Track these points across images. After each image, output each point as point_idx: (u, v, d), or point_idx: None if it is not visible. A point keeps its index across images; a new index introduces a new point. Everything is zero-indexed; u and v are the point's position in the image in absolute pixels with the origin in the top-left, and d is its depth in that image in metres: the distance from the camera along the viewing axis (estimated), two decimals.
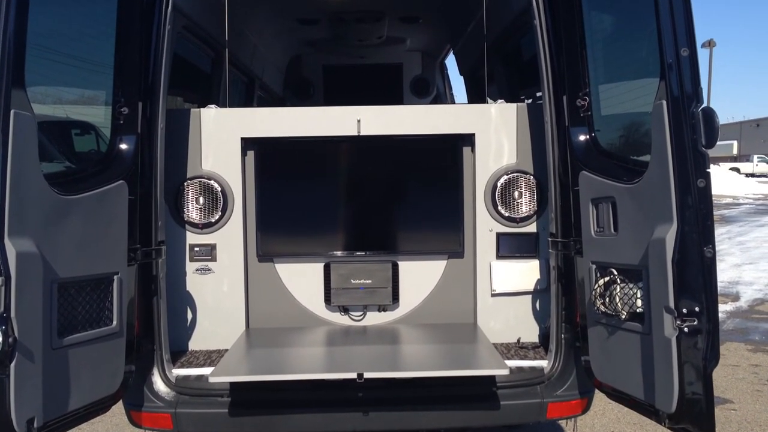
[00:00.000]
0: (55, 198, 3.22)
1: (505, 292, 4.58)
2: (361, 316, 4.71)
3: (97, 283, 3.50)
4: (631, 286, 3.41)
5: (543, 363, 4.19)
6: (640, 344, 3.33)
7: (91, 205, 3.46)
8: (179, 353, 4.47)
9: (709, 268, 3.02)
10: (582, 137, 3.88)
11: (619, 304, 3.44)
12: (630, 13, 3.49)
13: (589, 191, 3.74)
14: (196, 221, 4.52)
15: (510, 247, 4.58)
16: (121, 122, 3.78)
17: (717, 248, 12.50)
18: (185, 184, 4.50)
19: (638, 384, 3.34)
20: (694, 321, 3.01)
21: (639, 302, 3.35)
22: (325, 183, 4.71)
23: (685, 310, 3.01)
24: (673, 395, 3.07)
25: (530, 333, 4.59)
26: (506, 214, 4.56)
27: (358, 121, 4.52)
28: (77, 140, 3.74)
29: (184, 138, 4.49)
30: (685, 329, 2.99)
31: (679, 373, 3.06)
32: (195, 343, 4.58)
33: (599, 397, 4.09)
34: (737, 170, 57.94)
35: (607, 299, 3.51)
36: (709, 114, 2.95)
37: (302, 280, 4.68)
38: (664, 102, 3.05)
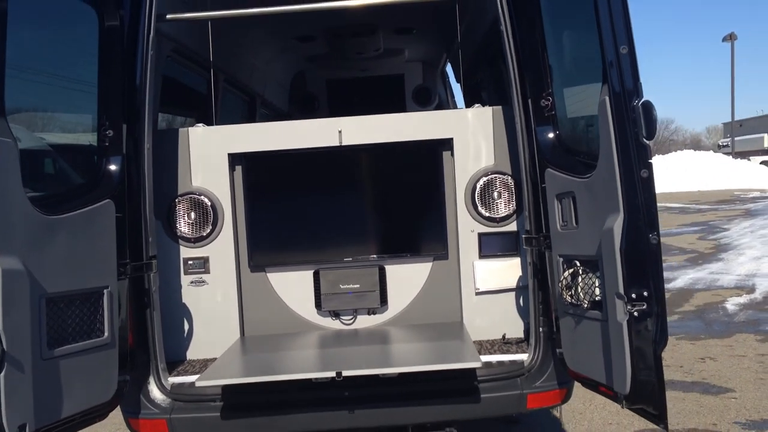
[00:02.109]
0: (39, 218, 3.43)
1: (489, 290, 4.72)
2: (351, 319, 4.87)
3: (86, 297, 3.71)
4: (591, 276, 3.55)
5: (523, 356, 4.32)
6: (600, 331, 3.46)
7: (77, 224, 3.68)
8: (177, 362, 4.67)
9: (654, 254, 3.16)
10: (547, 136, 4.03)
11: (581, 294, 3.58)
12: (581, 17, 3.63)
13: (554, 187, 3.88)
14: (188, 236, 4.73)
15: (491, 246, 4.71)
16: (107, 144, 4.00)
17: (739, 242, 12.59)
18: (177, 200, 4.71)
19: (601, 369, 3.47)
20: (644, 305, 3.14)
21: (598, 291, 3.48)
22: (311, 193, 4.89)
23: (634, 296, 3.14)
24: (626, 377, 3.20)
25: (515, 328, 4.71)
26: (486, 215, 4.70)
27: (339, 131, 4.70)
28: (64, 163, 3.97)
29: (173, 156, 4.71)
30: (635, 314, 3.12)
31: (631, 356, 3.18)
32: (192, 353, 4.77)
33: None
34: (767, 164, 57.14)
35: (573, 290, 3.64)
36: (648, 107, 3.09)
37: (293, 287, 4.86)
38: (607, 98, 3.19)
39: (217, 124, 6.59)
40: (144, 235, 4.23)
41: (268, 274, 4.87)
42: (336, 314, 4.86)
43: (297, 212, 4.88)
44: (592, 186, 3.46)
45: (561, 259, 3.83)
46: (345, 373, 3.78)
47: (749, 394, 6.39)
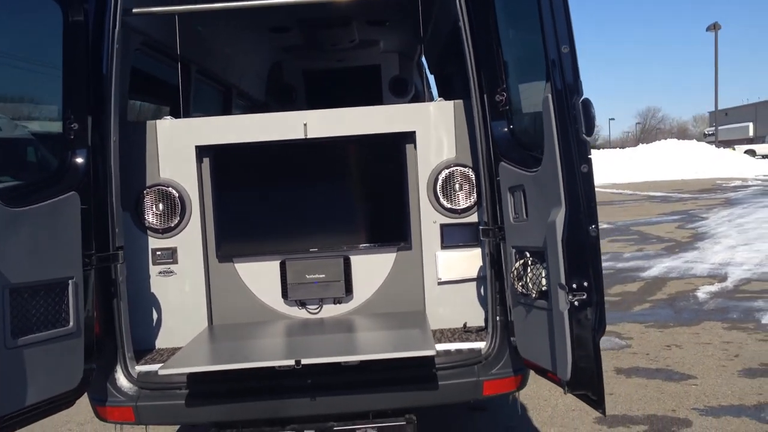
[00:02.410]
0: (3, 211, 3.51)
1: (451, 279, 4.83)
2: (317, 309, 4.98)
3: (51, 287, 3.79)
4: (539, 267, 3.67)
5: (481, 344, 4.44)
6: (547, 320, 3.59)
7: (42, 216, 3.76)
8: (146, 351, 4.76)
9: (594, 246, 3.29)
10: (502, 130, 4.14)
11: (530, 284, 3.70)
12: (533, 16, 3.74)
13: (507, 180, 4.00)
14: (156, 227, 4.81)
15: (453, 237, 4.83)
16: (72, 137, 4.07)
17: (716, 231, 12.76)
18: (145, 192, 4.79)
19: (547, 356, 3.60)
20: (584, 295, 3.27)
21: (544, 281, 3.61)
22: (278, 185, 4.99)
23: (575, 285, 3.27)
24: (567, 364, 3.33)
25: (476, 317, 4.83)
26: (448, 206, 4.81)
27: (305, 124, 4.79)
28: (29, 155, 4.04)
29: (141, 148, 4.79)
30: (576, 303, 3.25)
31: (571, 344, 3.31)
32: (161, 342, 4.86)
33: None
34: (753, 152, 57.65)
35: (523, 281, 3.76)
36: (587, 105, 3.21)
37: (261, 277, 4.96)
38: (550, 96, 3.30)
39: (190, 116, 6.67)
40: (110, 226, 4.32)
41: (236, 265, 4.97)
42: (302, 304, 4.97)
43: (264, 203, 4.98)
44: (539, 180, 3.58)
45: (513, 251, 3.95)
46: (304, 361, 3.89)
47: (710, 380, 6.56)
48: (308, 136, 4.81)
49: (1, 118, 3.94)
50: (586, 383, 3.38)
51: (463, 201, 4.79)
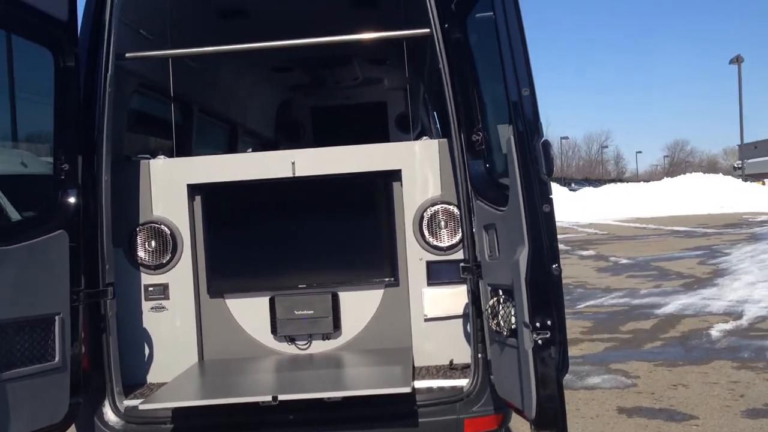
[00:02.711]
0: None
1: (437, 316, 4.87)
2: (306, 344, 5.04)
3: (36, 323, 3.90)
4: (509, 305, 3.71)
5: (464, 382, 4.46)
6: (517, 358, 3.60)
7: (29, 254, 3.88)
8: (137, 386, 4.84)
9: (556, 284, 3.33)
10: (478, 169, 4.20)
11: (502, 322, 3.73)
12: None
13: (482, 219, 4.06)
14: (148, 263, 4.93)
15: (439, 274, 4.87)
16: (62, 177, 4.21)
17: (737, 267, 12.62)
18: (138, 229, 4.91)
19: (518, 394, 3.62)
20: (547, 334, 3.29)
21: (513, 319, 3.64)
22: (268, 222, 5.08)
23: (538, 324, 3.30)
24: (532, 402, 3.34)
25: (463, 354, 4.84)
26: (434, 243, 4.87)
27: (293, 163, 4.90)
28: (20, 195, 4.17)
29: (135, 187, 4.92)
30: (539, 342, 3.28)
31: (536, 382, 3.33)
32: (152, 376, 4.94)
33: None
34: None
35: (497, 319, 3.80)
36: (546, 146, 3.27)
37: (251, 313, 5.04)
38: (512, 137, 3.37)
39: (192, 154, 6.83)
40: (101, 263, 4.44)
41: (227, 300, 5.05)
42: (291, 339, 5.03)
43: (254, 240, 5.08)
44: (507, 218, 3.64)
45: (489, 288, 3.99)
46: (280, 397, 3.94)
47: (712, 421, 6.47)
48: (296, 175, 4.91)
49: None
50: (551, 422, 3.40)
51: (448, 238, 4.85)
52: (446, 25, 4.26)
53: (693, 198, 40.04)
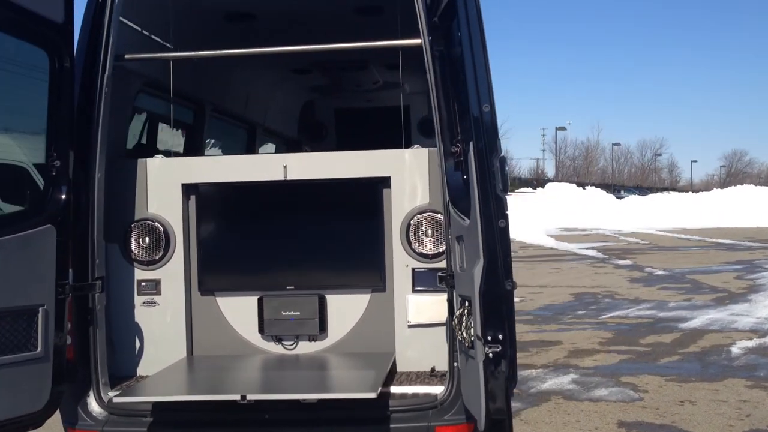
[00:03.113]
0: None
1: (420, 323, 4.89)
2: (293, 345, 5.11)
3: (18, 314, 4.05)
4: (471, 316, 3.72)
5: (439, 389, 4.48)
6: (476, 369, 3.63)
7: (13, 247, 4.03)
8: (127, 378, 4.98)
9: (509, 300, 3.33)
10: (455, 180, 4.22)
11: (465, 333, 3.75)
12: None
13: (455, 230, 4.08)
14: (141, 259, 5.06)
15: (424, 281, 4.89)
16: (54, 173, 4.35)
17: None
18: (132, 225, 5.05)
19: (474, 405, 3.64)
20: (498, 347, 3.31)
21: (472, 331, 3.66)
22: (259, 223, 5.18)
23: (489, 338, 3.31)
24: (482, 415, 3.36)
25: (445, 362, 4.83)
26: (420, 251, 4.90)
27: (284, 167, 4.98)
28: (10, 189, 4.34)
29: (132, 184, 5.06)
30: (490, 355, 3.30)
31: (486, 395, 3.35)
32: (142, 369, 5.07)
33: None
34: None
35: (461, 329, 3.82)
36: (503, 163, 3.29)
37: (240, 312, 5.13)
38: (472, 152, 3.39)
39: (203, 154, 6.97)
40: (90, 257, 4.58)
41: (217, 298, 5.16)
42: (279, 339, 5.11)
43: (245, 241, 5.17)
44: (470, 231, 3.66)
45: (459, 299, 4.01)
46: (249, 397, 4.03)
47: None
48: (288, 178, 4.99)
49: None
50: None
51: (434, 246, 4.87)
52: (430, 37, 4.29)
53: (743, 210, 39.10)
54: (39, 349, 4.16)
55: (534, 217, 37.76)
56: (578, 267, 20.46)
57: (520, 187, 67.94)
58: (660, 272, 18.67)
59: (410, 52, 7.32)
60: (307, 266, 5.14)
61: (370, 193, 5.02)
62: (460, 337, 3.91)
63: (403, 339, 4.95)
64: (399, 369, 4.92)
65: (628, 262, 21.56)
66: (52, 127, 4.37)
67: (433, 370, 4.85)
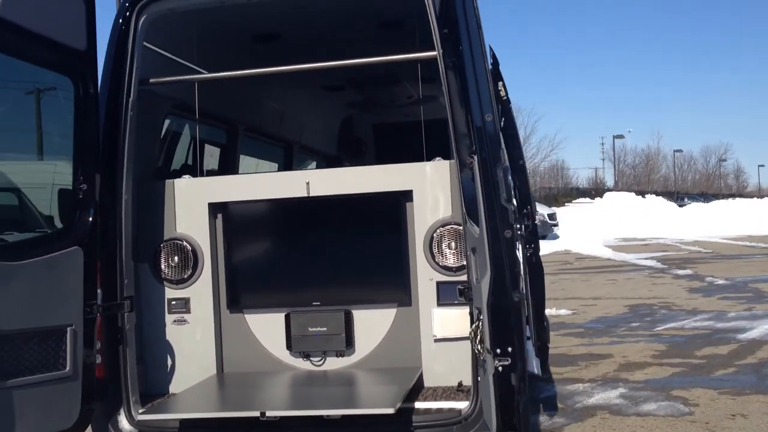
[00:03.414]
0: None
1: (446, 337, 4.86)
2: (320, 361, 5.13)
3: (46, 334, 4.16)
4: (483, 329, 3.67)
5: (464, 404, 4.43)
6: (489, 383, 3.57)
7: (41, 269, 4.16)
8: (160, 395, 5.07)
9: (518, 311, 3.27)
10: (470, 191, 4.18)
11: (479, 346, 3.70)
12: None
13: (470, 241, 4.04)
14: (171, 278, 5.16)
15: (449, 294, 4.86)
16: (81, 196, 4.48)
17: None
18: (162, 245, 5.16)
19: (491, 420, 3.57)
20: (508, 360, 3.25)
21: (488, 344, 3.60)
22: (284, 240, 5.24)
23: (499, 351, 3.26)
24: (493, 428, 3.30)
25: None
26: (444, 264, 4.88)
27: (307, 183, 5.02)
28: (41, 212, 4.47)
29: (161, 205, 5.17)
30: (500, 368, 3.24)
31: (497, 408, 3.29)
32: (174, 387, 5.16)
33: None
34: None
35: (476, 342, 3.77)
36: (506, 173, 3.25)
37: (268, 328, 5.19)
38: (476, 163, 3.36)
39: (237, 172, 7.08)
40: (119, 277, 4.69)
41: (246, 315, 5.22)
42: (306, 355, 5.13)
43: (272, 257, 5.23)
44: (480, 243, 3.62)
45: (476, 311, 3.97)
46: (268, 413, 4.05)
47: None
48: (311, 194, 5.02)
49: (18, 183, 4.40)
50: None
51: (457, 259, 4.83)
52: (442, 49, 4.29)
53: None
54: (68, 368, 4.26)
55: (591, 228, 37.16)
56: (635, 278, 19.98)
57: (578, 198, 66.99)
58: (721, 281, 18.09)
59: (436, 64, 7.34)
60: (333, 281, 5.16)
61: (393, 206, 5.02)
62: (476, 351, 3.86)
63: (429, 353, 4.92)
64: (426, 384, 4.88)
65: (688, 271, 20.96)
66: (78, 152, 4.51)
67: (460, 384, 4.80)
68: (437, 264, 4.88)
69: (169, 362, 5.19)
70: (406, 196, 4.98)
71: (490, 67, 6.94)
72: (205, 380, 5.00)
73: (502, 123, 6.78)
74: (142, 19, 4.82)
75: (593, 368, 9.56)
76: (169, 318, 5.19)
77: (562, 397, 8.15)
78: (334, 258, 5.19)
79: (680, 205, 51.96)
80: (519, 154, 6.71)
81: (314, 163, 10.12)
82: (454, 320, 4.83)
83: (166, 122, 6.06)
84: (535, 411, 7.59)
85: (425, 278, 4.92)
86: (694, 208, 47.86)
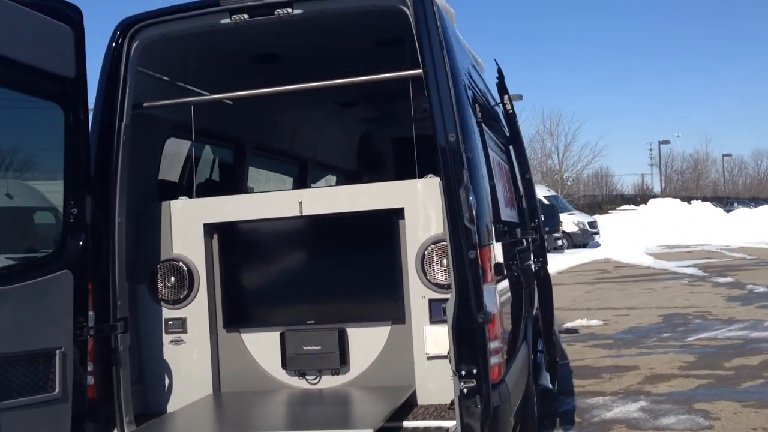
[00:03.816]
0: None
1: (439, 354, 4.80)
2: (316, 379, 5.13)
3: (34, 357, 4.23)
4: None
5: (450, 423, 4.37)
6: None
7: (29, 293, 4.23)
8: (157, 415, 5.12)
9: (481, 332, 3.22)
10: None
11: (451, 365, 3.66)
12: None
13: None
14: (167, 298, 5.22)
15: (441, 311, 4.81)
16: (72, 221, 4.56)
17: None
18: (159, 266, 5.22)
19: None
20: (473, 383, 3.20)
21: None
22: (278, 259, 5.26)
23: (464, 372, 3.21)
24: None
25: None
26: (436, 281, 4.84)
27: (300, 202, 5.04)
28: (29, 236, 4.56)
29: (158, 226, 5.24)
30: (464, 390, 3.20)
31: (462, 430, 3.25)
32: (172, 406, 5.21)
33: None
34: None
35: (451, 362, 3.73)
36: (468, 193, 3.21)
37: (264, 347, 5.21)
38: (439, 182, 3.33)
39: (246, 191, 7.14)
40: (112, 299, 4.76)
41: (242, 335, 5.25)
42: (302, 374, 5.14)
43: (266, 276, 5.26)
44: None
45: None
46: None
47: None
48: (304, 213, 5.04)
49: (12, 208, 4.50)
50: None
51: (447, 276, 4.77)
52: (426, 67, 4.27)
53: None
54: (57, 390, 4.33)
55: (634, 235, 36.51)
56: (673, 286, 19.58)
57: (623, 205, 65.95)
58: (762, 289, 17.63)
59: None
60: (326, 300, 5.16)
61: (385, 224, 5.01)
62: (453, 371, 3.81)
63: (422, 371, 4.88)
64: (420, 402, 4.85)
65: (728, 279, 20.46)
66: (69, 177, 4.58)
67: (452, 403, 4.73)
68: (429, 281, 4.84)
69: (167, 382, 5.24)
70: (398, 213, 4.96)
71: (496, 80, 6.93)
72: (197, 401, 5.04)
73: (508, 136, 6.74)
74: (135, 45, 4.90)
75: (617, 381, 9.38)
76: (166, 338, 5.24)
77: (580, 410, 8.01)
78: (328, 276, 5.19)
79: (727, 211, 50.73)
80: (525, 168, 6.66)
81: (334, 180, 10.16)
82: (446, 338, 4.79)
83: (171, 143, 6.11)
84: (551, 426, 7.48)
85: (418, 296, 4.89)
86: (741, 213, 46.65)
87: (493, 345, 4.29)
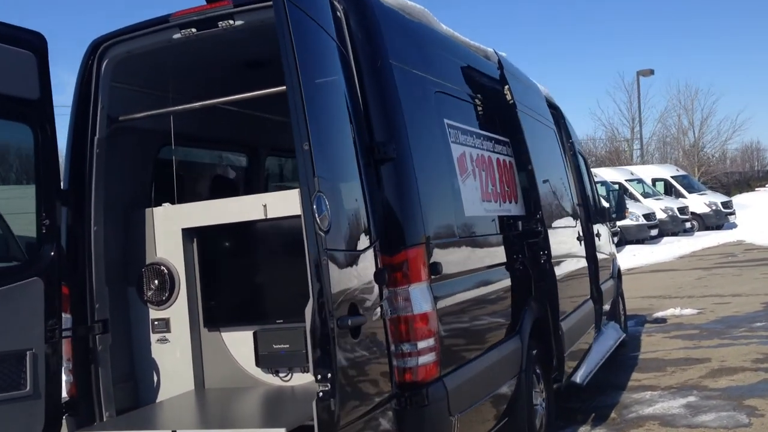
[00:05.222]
0: None
1: None
2: (287, 376, 5.29)
3: (4, 358, 4.62)
4: None
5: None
6: None
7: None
8: None
9: (334, 338, 3.26)
10: None
11: None
12: None
13: None
14: (152, 300, 5.53)
15: None
16: (44, 231, 4.93)
17: None
18: (144, 269, 5.54)
19: None
20: (327, 386, 3.25)
21: None
22: (249, 261, 5.44)
23: (320, 376, 3.27)
24: None
25: None
26: None
27: (264, 206, 5.19)
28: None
29: (143, 232, 5.56)
30: (320, 394, 3.25)
31: None
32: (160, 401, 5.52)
33: None
34: None
35: None
36: (320, 201, 3.31)
37: (242, 346, 5.42)
38: (299, 191, 3.42)
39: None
40: (89, 302, 5.12)
41: (222, 334, 5.48)
42: (276, 371, 5.31)
43: (239, 278, 5.46)
44: None
45: None
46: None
47: None
48: (268, 216, 5.18)
49: None
50: None
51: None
52: None
53: None
54: (28, 387, 4.70)
55: None
56: None
57: None
58: None
59: None
60: (293, 299, 5.26)
61: None
62: None
63: None
64: None
65: None
66: (40, 190, 4.95)
67: None
68: None
69: (155, 378, 5.55)
70: None
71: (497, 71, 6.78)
72: (171, 397, 5.32)
73: (507, 128, 6.58)
74: (105, 63, 5.21)
75: (679, 374, 8.90)
76: (153, 337, 5.55)
77: (621, 406, 7.70)
78: (294, 276, 5.29)
79: None
80: (527, 158, 6.49)
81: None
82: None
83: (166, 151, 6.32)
84: (582, 421, 7.25)
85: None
86: None
87: (422, 344, 4.30)
